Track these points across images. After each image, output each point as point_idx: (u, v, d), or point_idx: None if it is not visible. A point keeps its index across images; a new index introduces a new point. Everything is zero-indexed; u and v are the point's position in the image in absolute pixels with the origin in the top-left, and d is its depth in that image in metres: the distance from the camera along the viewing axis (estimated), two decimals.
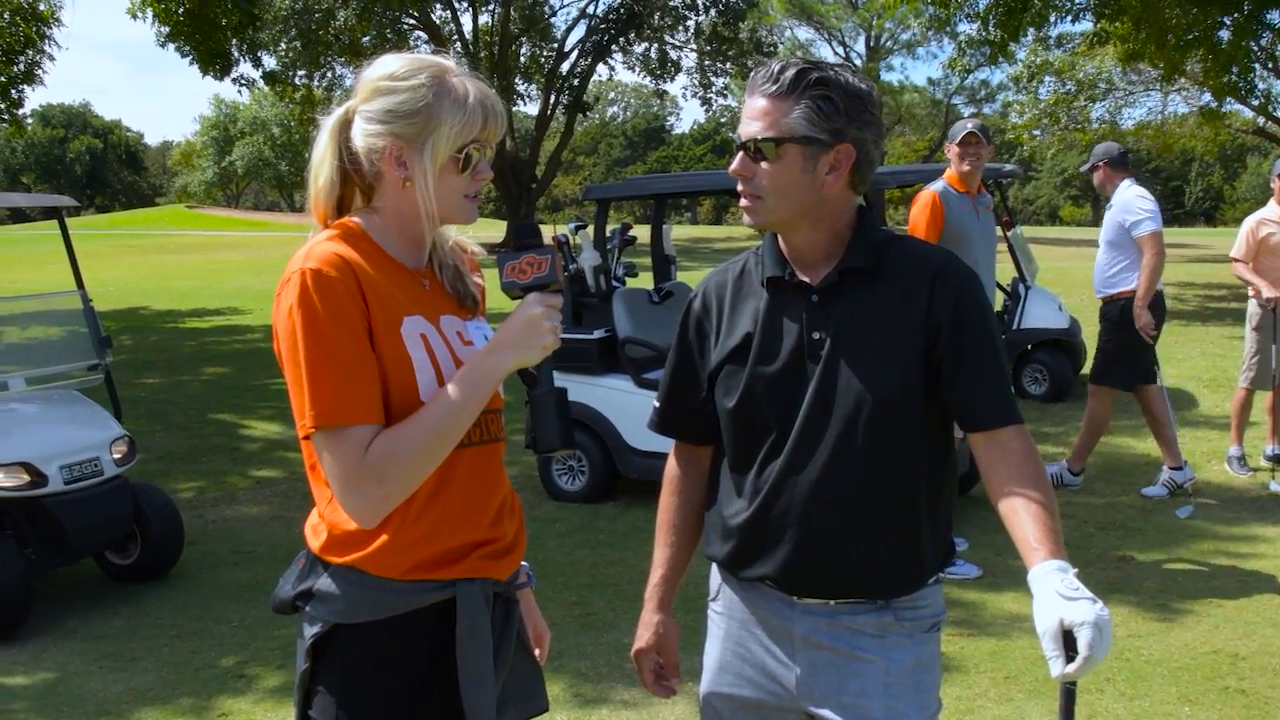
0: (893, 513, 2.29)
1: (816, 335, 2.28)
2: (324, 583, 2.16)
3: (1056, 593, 2.00)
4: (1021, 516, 2.15)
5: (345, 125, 2.19)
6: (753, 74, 2.29)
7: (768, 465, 2.32)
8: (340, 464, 2.01)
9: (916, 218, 6.43)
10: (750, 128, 2.24)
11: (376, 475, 2.01)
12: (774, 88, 2.21)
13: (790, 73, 2.21)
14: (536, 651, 2.52)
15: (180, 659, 5.54)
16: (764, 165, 2.23)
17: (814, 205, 2.26)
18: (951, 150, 6.68)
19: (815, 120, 2.19)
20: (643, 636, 2.59)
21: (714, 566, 2.54)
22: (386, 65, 2.16)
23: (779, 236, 2.36)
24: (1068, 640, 1.96)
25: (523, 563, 2.42)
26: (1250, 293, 8.18)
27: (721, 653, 2.50)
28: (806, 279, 2.32)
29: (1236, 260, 8.12)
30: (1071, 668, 1.94)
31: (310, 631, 2.17)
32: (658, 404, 2.59)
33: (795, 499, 2.28)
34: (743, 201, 2.30)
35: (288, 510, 8.06)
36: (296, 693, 2.22)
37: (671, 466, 2.62)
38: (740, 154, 2.27)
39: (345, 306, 2.03)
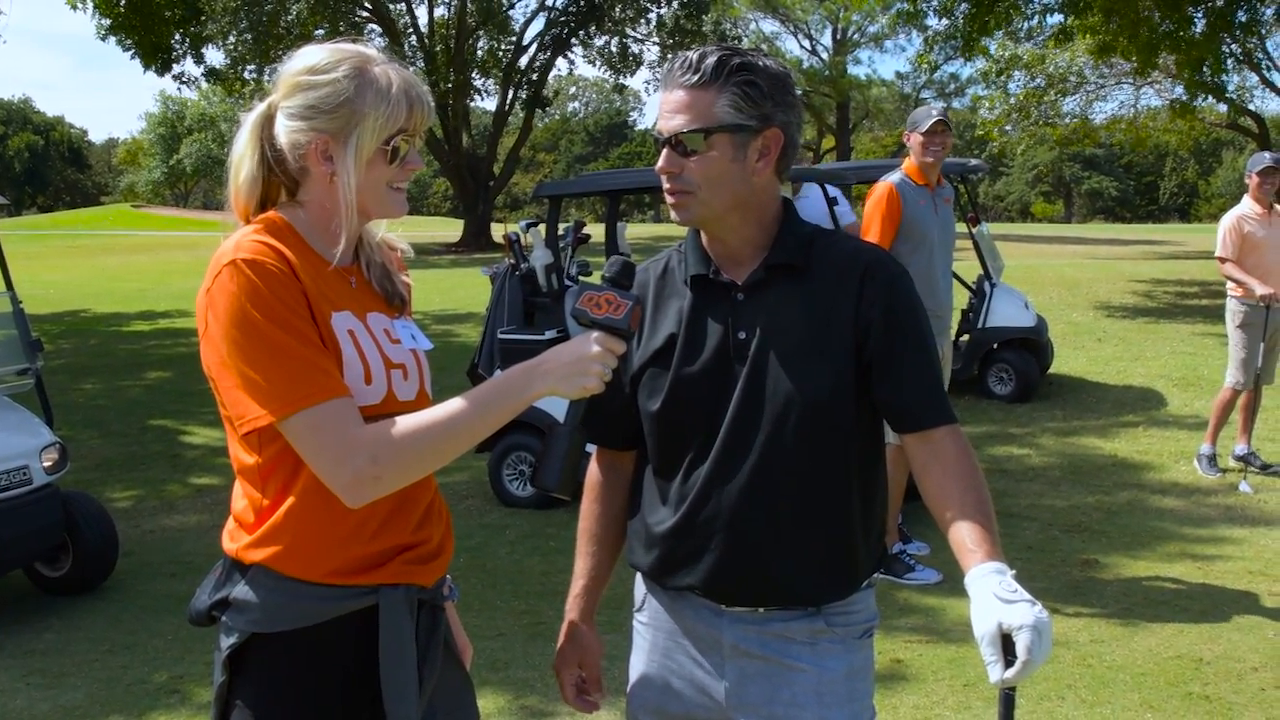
0: (824, 517, 2.27)
1: (742, 335, 2.26)
2: (241, 590, 2.13)
3: (994, 595, 1.99)
4: (956, 518, 2.14)
5: (267, 121, 2.17)
6: (668, 65, 2.26)
7: (693, 471, 2.30)
8: (327, 439, 1.99)
9: (870, 212, 6.26)
10: (674, 121, 2.21)
11: (369, 453, 1.99)
12: (695, 78, 2.18)
13: (711, 60, 2.18)
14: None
15: (112, 674, 5.47)
16: (692, 160, 2.21)
17: (746, 196, 2.24)
18: (914, 139, 6.37)
19: (742, 107, 2.17)
20: (563, 649, 2.56)
21: (638, 576, 2.51)
22: (306, 58, 2.15)
23: (701, 233, 2.34)
24: (1006, 644, 1.95)
25: (444, 575, 2.38)
26: (1230, 290, 8.18)
27: (648, 665, 2.47)
28: (731, 277, 2.30)
29: (1224, 260, 8.11)
30: (1010, 673, 1.94)
31: (227, 642, 2.14)
32: None
33: (722, 505, 2.26)
34: (670, 199, 2.27)
35: (227, 519, 7.98)
36: (214, 707, 2.18)
37: (593, 473, 2.59)
38: (665, 150, 2.23)
39: (289, 290, 2.03)
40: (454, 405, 2.04)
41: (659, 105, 2.27)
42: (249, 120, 2.20)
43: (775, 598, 2.30)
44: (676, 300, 2.36)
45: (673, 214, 2.30)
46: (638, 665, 2.50)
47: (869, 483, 2.33)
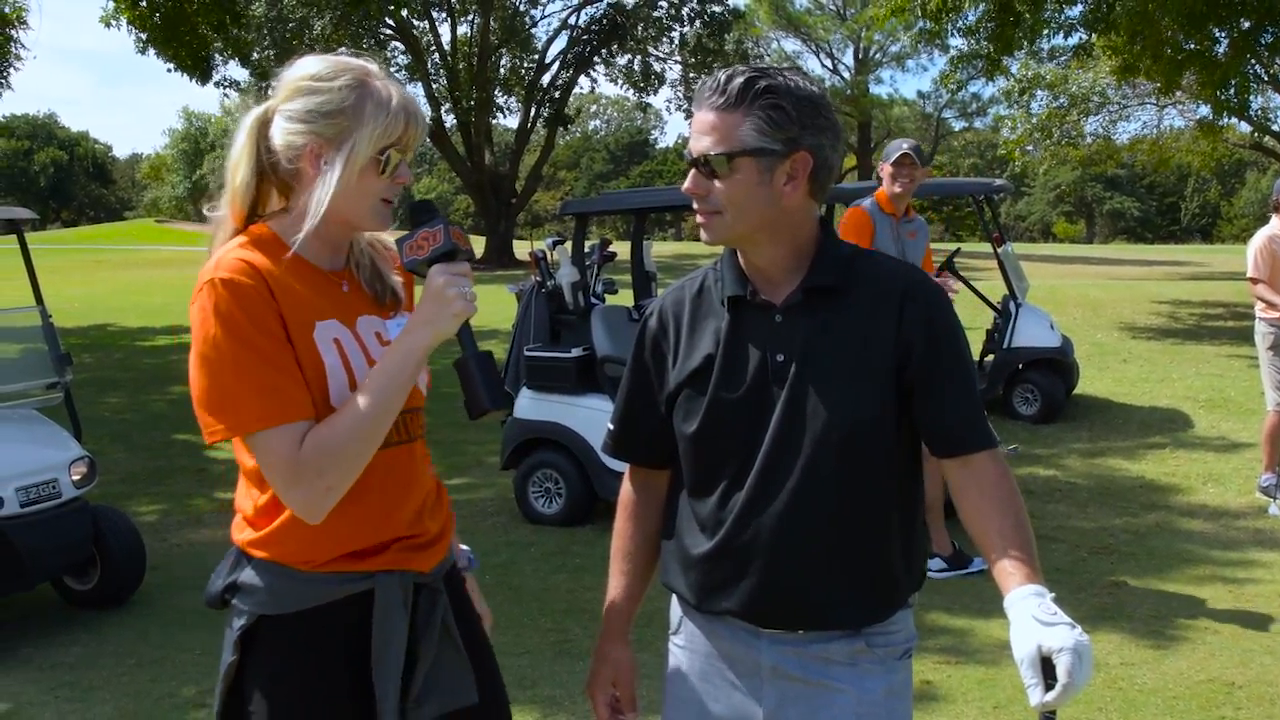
0: (864, 540, 2.26)
1: (780, 358, 2.24)
2: (248, 575, 2.26)
3: (1034, 618, 1.99)
4: (996, 542, 2.15)
5: (264, 124, 2.25)
6: (699, 86, 2.25)
7: (731, 495, 2.28)
8: (278, 462, 2.10)
9: (844, 235, 6.26)
10: (700, 143, 2.20)
11: (315, 468, 2.09)
12: (721, 100, 2.17)
13: (737, 82, 2.16)
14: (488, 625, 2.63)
15: (140, 688, 5.48)
16: (717, 182, 2.19)
17: (774, 218, 2.22)
18: (885, 169, 6.71)
19: (767, 131, 2.15)
20: (597, 670, 2.54)
21: (674, 599, 2.49)
22: (309, 66, 2.24)
23: (738, 253, 2.33)
24: (1046, 667, 1.95)
25: (462, 546, 2.59)
26: (1260, 311, 8.10)
27: (684, 689, 2.45)
28: (768, 298, 2.28)
29: (1256, 280, 8.06)
30: (1050, 696, 1.93)
31: (238, 624, 2.27)
32: (612, 426, 2.54)
33: (761, 530, 2.24)
34: (699, 218, 2.27)
35: None
36: (219, 685, 2.29)
37: (626, 491, 2.58)
38: (692, 172, 2.23)
39: (261, 310, 2.12)
40: (365, 395, 2.14)
41: (691, 125, 2.26)
42: (246, 122, 2.27)
43: (815, 621, 2.28)
44: (713, 321, 2.33)
45: (702, 234, 2.30)
46: (674, 690, 2.48)
47: (908, 503, 2.32)
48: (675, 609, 2.50)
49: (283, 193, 2.29)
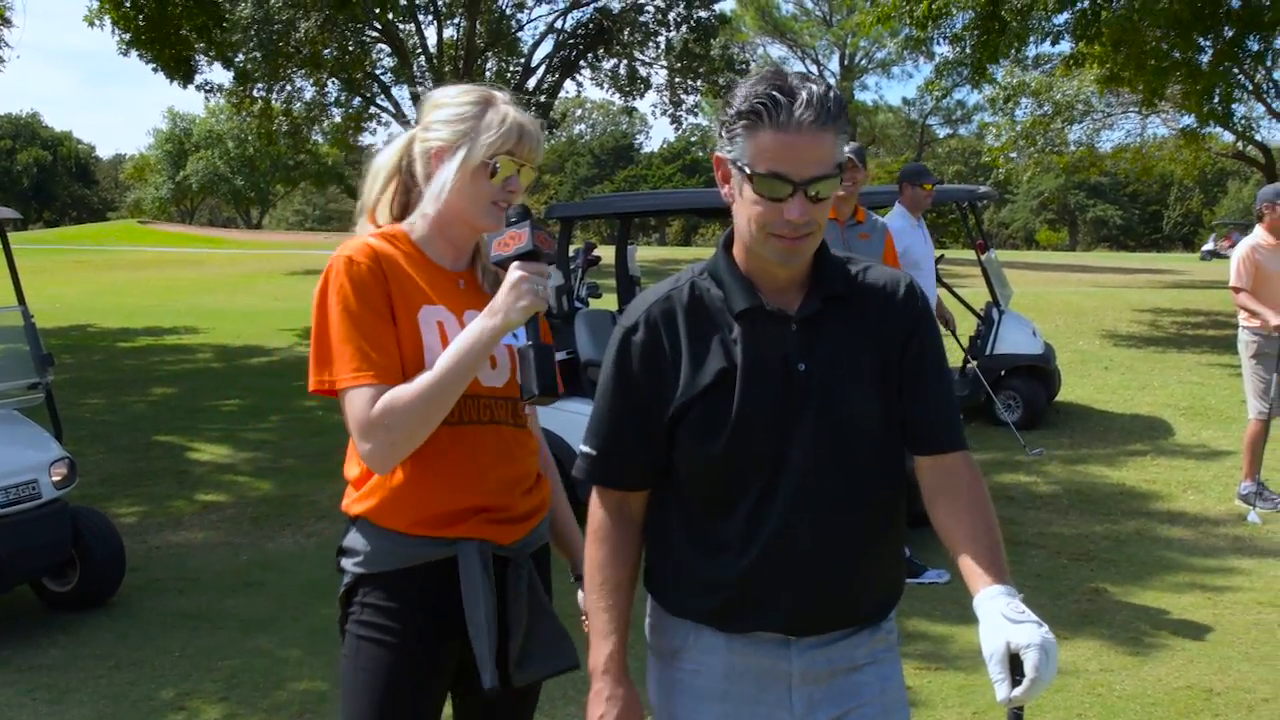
0: (891, 533, 2.33)
1: (802, 367, 2.21)
2: (351, 538, 2.61)
3: (1002, 615, 2.04)
4: (966, 543, 2.19)
5: (412, 141, 2.66)
6: (776, 100, 2.09)
7: (764, 509, 2.22)
8: (354, 418, 2.43)
9: None
10: (809, 169, 2.10)
11: (382, 425, 2.40)
12: (825, 117, 2.09)
13: (832, 97, 2.11)
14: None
15: (118, 691, 5.46)
16: (819, 204, 2.14)
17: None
18: None
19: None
20: (606, 712, 2.33)
21: (672, 625, 2.38)
22: (445, 89, 2.65)
23: (741, 262, 2.28)
24: (1014, 663, 2.00)
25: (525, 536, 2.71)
26: (1243, 320, 8.16)
27: (700, 714, 2.36)
28: (781, 307, 2.25)
29: (1238, 290, 8.09)
30: (1018, 691, 1.98)
31: (342, 584, 2.62)
32: (594, 451, 2.37)
33: (801, 540, 2.21)
34: (793, 244, 2.17)
35: (235, 536, 7.99)
36: (342, 641, 2.64)
37: (600, 519, 2.40)
38: (800, 199, 2.11)
39: (370, 287, 2.47)
40: (438, 366, 2.43)
41: (767, 143, 2.10)
42: (399, 140, 2.70)
43: (850, 619, 2.31)
44: (717, 332, 2.26)
45: (785, 259, 2.19)
46: (688, 718, 2.38)
47: (903, 491, 2.37)
48: (676, 634, 2.38)
49: (418, 202, 2.64)
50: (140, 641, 6.10)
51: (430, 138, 2.58)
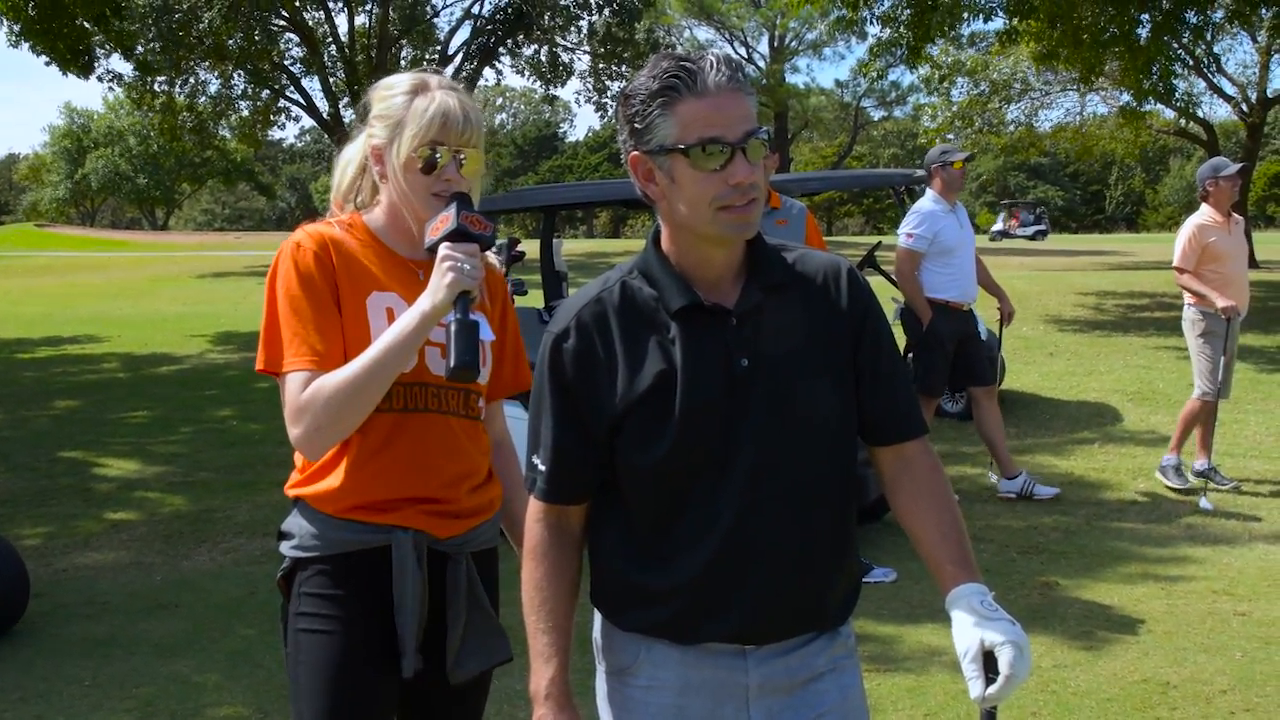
0: (844, 531, 2.31)
1: (745, 362, 2.19)
2: (290, 521, 2.71)
3: (976, 613, 2.09)
4: (935, 540, 2.23)
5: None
6: (699, 68, 2.10)
7: (712, 513, 2.20)
8: (288, 400, 2.55)
9: None
10: (743, 126, 2.09)
11: (310, 411, 2.51)
12: (739, 77, 2.12)
13: (736, 62, 2.15)
14: None
15: None
16: (757, 164, 2.13)
17: None
18: None
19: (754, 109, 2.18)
20: None
21: (624, 639, 2.34)
22: (385, 80, 2.73)
23: (673, 258, 2.25)
24: (988, 661, 2.04)
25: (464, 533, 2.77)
26: (1188, 300, 8.29)
27: None
28: (719, 302, 2.22)
29: (1181, 270, 8.20)
30: (993, 689, 2.03)
31: (281, 569, 2.72)
32: (544, 467, 2.31)
33: (754, 543, 2.19)
34: (745, 213, 2.14)
35: (146, 556, 7.86)
36: (280, 627, 2.75)
37: (538, 536, 2.34)
38: (741, 157, 2.10)
39: (314, 274, 2.58)
40: (368, 352, 2.52)
41: (691, 113, 2.10)
42: (363, 133, 2.76)
43: (807, 625, 2.30)
44: (653, 333, 2.22)
45: (738, 231, 2.16)
46: None
47: (854, 488, 2.37)
48: (627, 650, 2.34)
49: (377, 190, 2.77)
50: (48, 671, 5.98)
51: (371, 134, 2.68)
